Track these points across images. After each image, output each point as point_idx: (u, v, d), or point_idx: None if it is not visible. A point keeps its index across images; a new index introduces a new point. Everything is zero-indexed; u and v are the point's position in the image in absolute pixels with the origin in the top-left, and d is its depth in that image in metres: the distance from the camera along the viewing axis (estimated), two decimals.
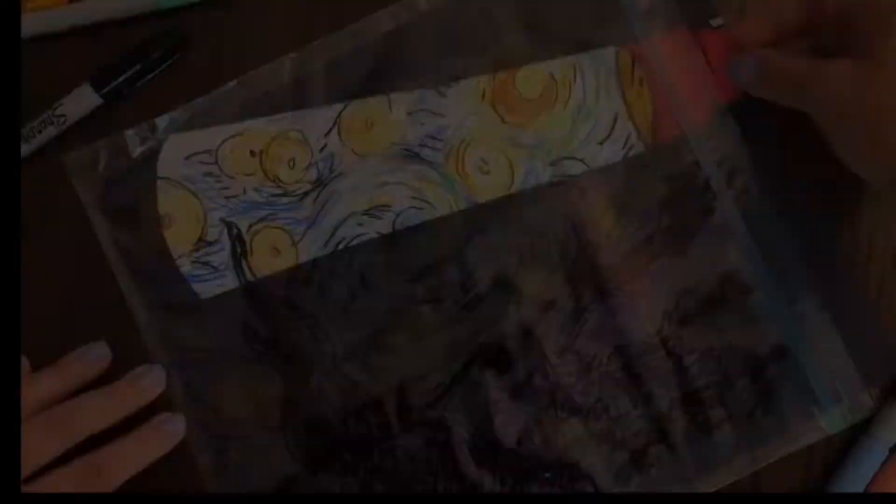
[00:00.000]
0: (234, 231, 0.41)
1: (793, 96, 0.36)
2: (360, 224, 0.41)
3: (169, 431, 0.39)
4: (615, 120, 0.41)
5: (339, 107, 0.41)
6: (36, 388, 0.38)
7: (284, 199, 0.41)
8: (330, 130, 0.41)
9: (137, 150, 0.41)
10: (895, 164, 0.33)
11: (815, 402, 0.40)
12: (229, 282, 0.41)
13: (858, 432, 0.40)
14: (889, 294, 0.41)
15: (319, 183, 0.41)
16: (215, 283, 0.41)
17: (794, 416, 0.40)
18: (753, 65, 0.38)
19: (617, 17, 0.41)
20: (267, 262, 0.41)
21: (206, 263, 0.41)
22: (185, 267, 0.41)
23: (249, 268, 0.41)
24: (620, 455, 0.40)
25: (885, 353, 0.40)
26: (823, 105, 0.35)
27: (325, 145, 0.41)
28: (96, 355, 0.40)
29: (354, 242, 0.41)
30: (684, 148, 0.41)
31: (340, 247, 0.41)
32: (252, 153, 0.41)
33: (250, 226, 0.41)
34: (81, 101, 0.41)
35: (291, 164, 0.41)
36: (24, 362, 0.41)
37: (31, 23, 0.42)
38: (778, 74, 0.37)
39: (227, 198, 0.41)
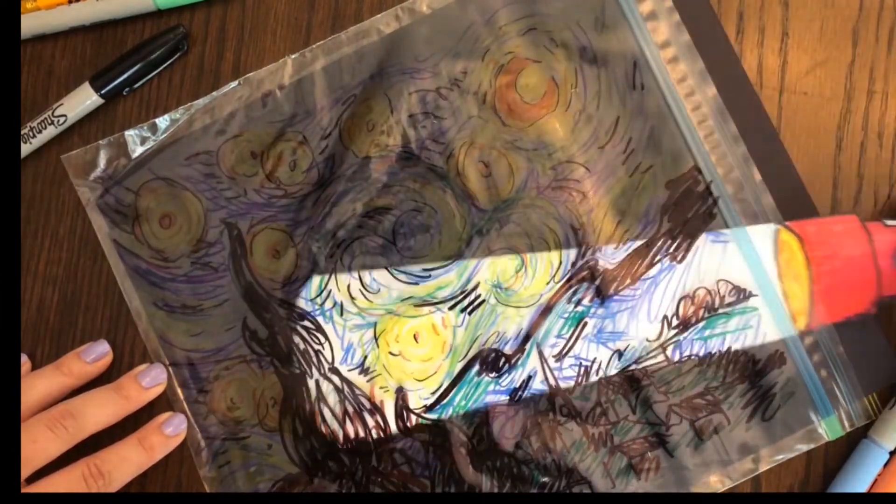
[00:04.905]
0: (234, 232, 0.41)
1: None
2: (360, 226, 0.41)
3: (170, 432, 0.40)
4: (616, 124, 0.41)
5: (340, 108, 0.41)
6: (36, 387, 0.38)
7: (285, 201, 0.41)
8: (331, 132, 0.41)
9: (137, 150, 0.41)
10: None
11: (814, 408, 0.40)
12: (229, 282, 0.41)
13: (859, 435, 0.40)
14: None
15: (320, 184, 0.41)
16: (215, 284, 0.41)
17: (793, 423, 0.40)
18: None
19: (618, 23, 0.41)
20: (266, 263, 0.41)
21: (206, 264, 0.41)
22: (185, 267, 0.41)
23: (249, 269, 0.41)
24: (619, 459, 0.40)
25: (884, 359, 0.40)
26: None
27: (326, 147, 0.41)
28: (97, 353, 0.40)
29: (354, 244, 0.41)
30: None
31: (340, 249, 0.41)
32: (253, 154, 0.41)
33: (250, 227, 0.41)
34: (81, 101, 0.41)
35: (292, 165, 0.41)
36: (25, 361, 0.41)
37: (31, 23, 0.42)
38: None
39: (227, 199, 0.41)
